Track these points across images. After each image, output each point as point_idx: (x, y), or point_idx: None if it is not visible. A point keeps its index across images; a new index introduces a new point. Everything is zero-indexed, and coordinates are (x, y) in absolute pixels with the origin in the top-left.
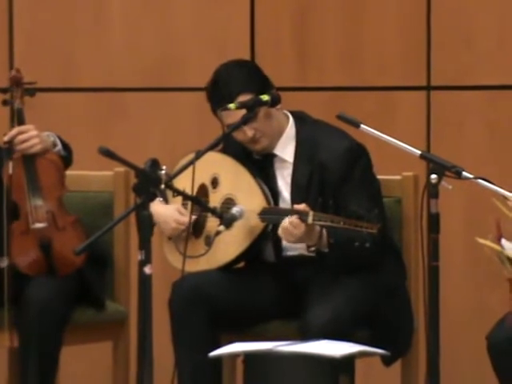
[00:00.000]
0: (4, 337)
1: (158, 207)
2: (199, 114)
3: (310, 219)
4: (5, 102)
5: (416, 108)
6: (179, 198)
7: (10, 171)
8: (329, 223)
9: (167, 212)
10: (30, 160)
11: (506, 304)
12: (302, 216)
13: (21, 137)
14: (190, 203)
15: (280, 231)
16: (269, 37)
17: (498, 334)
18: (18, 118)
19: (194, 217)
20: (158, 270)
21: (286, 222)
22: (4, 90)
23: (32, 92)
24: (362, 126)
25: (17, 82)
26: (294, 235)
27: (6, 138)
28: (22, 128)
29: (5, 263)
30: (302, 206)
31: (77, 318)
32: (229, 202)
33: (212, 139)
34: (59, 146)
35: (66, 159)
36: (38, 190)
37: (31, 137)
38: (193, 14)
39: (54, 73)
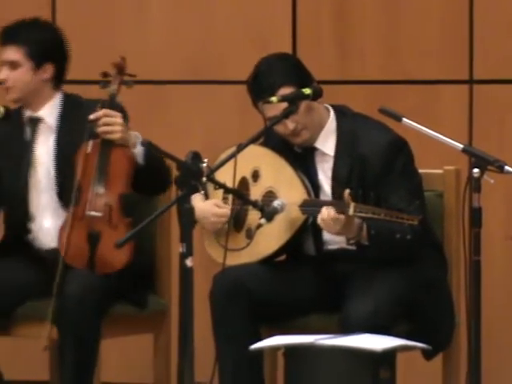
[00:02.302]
0: (45, 328)
1: (196, 204)
2: (240, 107)
3: (351, 211)
4: (103, 85)
5: (458, 102)
6: (220, 192)
7: (89, 150)
8: (370, 215)
9: (205, 207)
10: (107, 146)
11: None
12: (343, 208)
13: (105, 119)
14: (230, 197)
15: (320, 222)
16: (310, 31)
17: None
18: (109, 103)
19: (232, 207)
20: (199, 262)
21: (326, 213)
22: (105, 75)
23: (129, 83)
24: (404, 119)
25: (119, 69)
26: (334, 227)
27: (91, 117)
28: (110, 112)
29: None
30: (346, 194)
31: (118, 310)
32: (270, 195)
33: (253, 132)
34: (137, 150)
35: (144, 171)
36: (104, 177)
37: (115, 123)
38: (234, 7)
39: (95, 66)
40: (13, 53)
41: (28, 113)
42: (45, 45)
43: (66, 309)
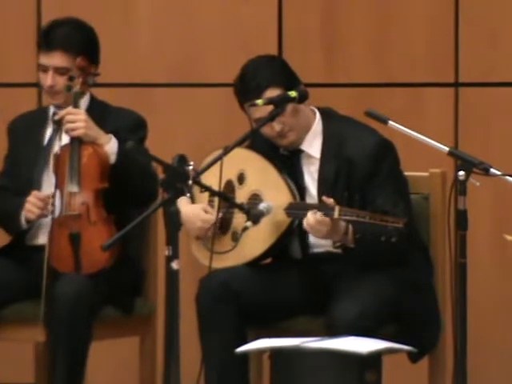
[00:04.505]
0: (36, 331)
1: (184, 207)
2: (225, 110)
3: (335, 214)
4: (67, 89)
5: (444, 105)
6: (206, 194)
7: (58, 152)
8: (354, 218)
9: (193, 211)
10: (75, 144)
11: None
12: (328, 211)
13: (68, 117)
14: (216, 199)
15: (306, 227)
16: (296, 33)
17: None
18: (74, 102)
19: (220, 214)
20: (186, 265)
21: (311, 218)
22: (70, 78)
23: (90, 83)
24: (390, 122)
25: (81, 69)
26: (320, 231)
27: (56, 117)
28: (72, 110)
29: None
30: (330, 201)
31: (104, 313)
32: (255, 198)
33: (238, 135)
34: (109, 148)
35: (117, 171)
36: (77, 175)
37: (77, 120)
38: (219, 10)
39: None
40: (60, 59)
41: (52, 109)
42: (88, 46)
43: (58, 311)
